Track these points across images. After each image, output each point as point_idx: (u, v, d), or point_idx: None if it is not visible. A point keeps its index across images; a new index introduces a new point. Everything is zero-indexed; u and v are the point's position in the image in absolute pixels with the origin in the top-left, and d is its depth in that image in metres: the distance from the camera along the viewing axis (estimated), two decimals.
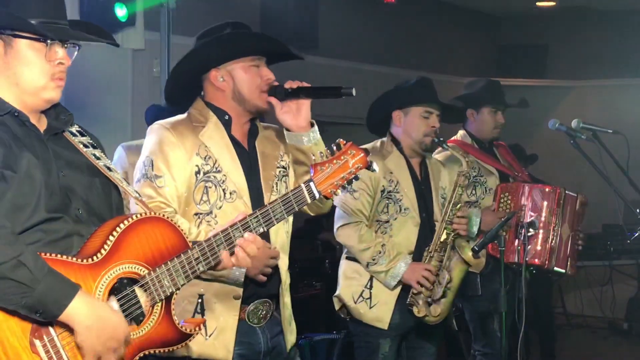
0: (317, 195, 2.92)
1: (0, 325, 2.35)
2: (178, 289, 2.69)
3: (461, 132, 5.57)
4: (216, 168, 3.41)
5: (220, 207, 3.41)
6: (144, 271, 2.60)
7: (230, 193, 3.41)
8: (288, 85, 3.44)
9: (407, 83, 4.84)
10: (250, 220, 2.81)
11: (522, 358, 4.84)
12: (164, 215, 2.75)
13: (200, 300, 3.38)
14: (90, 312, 2.42)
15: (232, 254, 2.80)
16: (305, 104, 3.47)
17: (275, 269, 3.46)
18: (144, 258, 2.62)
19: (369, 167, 3.00)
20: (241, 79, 3.46)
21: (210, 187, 3.28)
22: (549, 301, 8.21)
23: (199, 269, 2.70)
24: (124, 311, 2.54)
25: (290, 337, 3.67)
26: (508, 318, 4.90)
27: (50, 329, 2.41)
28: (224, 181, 3.37)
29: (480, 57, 10.89)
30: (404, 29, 9.79)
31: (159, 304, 2.64)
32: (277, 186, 3.57)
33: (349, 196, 4.51)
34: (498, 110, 5.47)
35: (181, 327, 2.72)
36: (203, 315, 3.37)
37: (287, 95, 3.43)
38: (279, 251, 3.50)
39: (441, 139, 4.70)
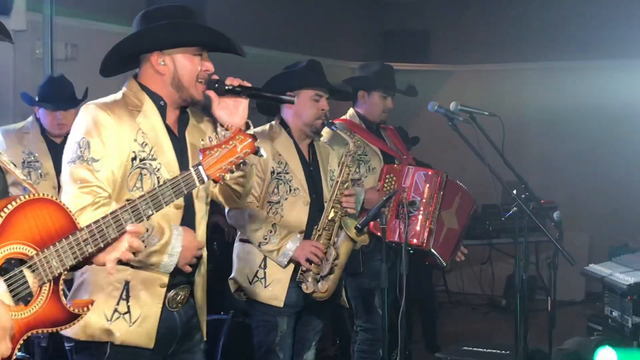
0: (205, 179, 2.92)
1: None
2: (67, 269, 2.65)
3: (350, 112, 5.62)
4: (152, 156, 3.35)
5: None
6: (32, 252, 2.57)
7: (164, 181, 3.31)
8: (229, 81, 3.37)
9: (296, 66, 4.82)
10: (140, 203, 2.79)
11: (403, 333, 4.89)
12: (51, 197, 2.69)
13: (126, 287, 3.34)
14: None
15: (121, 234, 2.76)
16: (243, 103, 3.40)
17: (199, 258, 3.50)
18: (32, 239, 2.59)
19: (256, 152, 3.01)
20: (183, 66, 3.39)
21: (145, 175, 3.22)
22: (430, 279, 8.33)
23: (87, 250, 2.66)
24: (11, 291, 2.50)
25: (203, 319, 3.68)
26: (389, 295, 5.00)
27: None
28: (158, 169, 3.32)
29: (366, 41, 10.98)
30: (290, 12, 9.79)
31: (47, 285, 2.61)
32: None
33: None
34: (388, 96, 5.55)
35: (69, 307, 2.70)
36: (128, 301, 3.33)
37: (227, 92, 3.36)
38: (204, 243, 3.54)
39: (330, 121, 4.73)
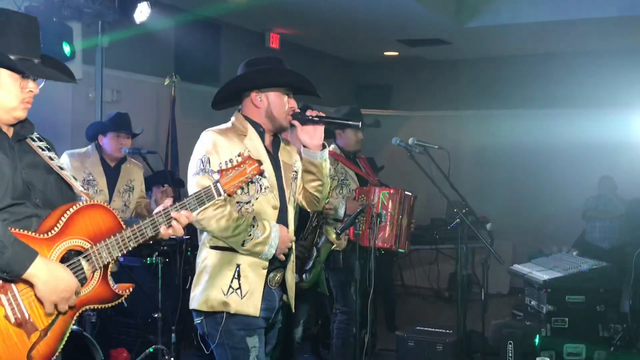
0: (222, 193, 2.90)
1: None
2: (114, 260, 2.67)
3: (332, 146, 5.63)
4: None
5: (257, 199, 3.40)
6: (87, 245, 2.59)
7: (265, 188, 3.40)
8: (309, 113, 3.47)
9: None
10: (171, 209, 2.78)
11: (371, 316, 4.91)
12: (103, 204, 2.72)
13: (238, 269, 3.35)
14: (47, 270, 2.42)
15: (169, 226, 2.76)
16: (319, 129, 3.50)
17: (290, 249, 3.51)
18: (87, 235, 2.61)
19: (261, 173, 3.02)
20: (274, 102, 3.44)
21: (250, 183, 3.14)
22: (390, 275, 8.35)
23: (130, 245, 2.67)
24: None
25: (292, 295, 3.64)
26: (361, 285, 5.02)
27: (13, 285, 2.41)
28: (260, 179, 3.31)
29: (342, 91, 11.05)
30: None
31: (99, 271, 2.63)
32: (292, 185, 3.59)
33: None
34: (358, 131, 5.55)
35: (115, 289, 2.70)
36: (239, 279, 3.36)
37: (308, 121, 3.46)
38: (294, 237, 3.57)
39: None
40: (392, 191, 5.32)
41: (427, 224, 9.51)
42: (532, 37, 9.31)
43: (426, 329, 6.32)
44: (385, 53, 10.81)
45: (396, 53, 10.74)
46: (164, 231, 2.75)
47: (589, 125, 8.98)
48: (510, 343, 5.68)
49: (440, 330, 6.20)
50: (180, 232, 2.81)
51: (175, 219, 2.75)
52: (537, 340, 5.51)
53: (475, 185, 9.52)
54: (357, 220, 4.72)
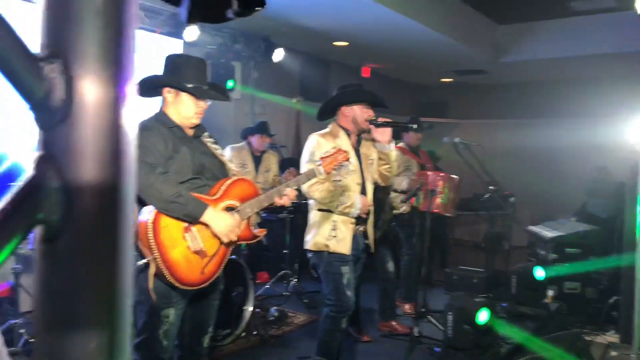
0: (322, 173, 2.90)
1: (170, 223, 2.41)
2: (255, 213, 2.70)
3: (401, 143, 5.58)
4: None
5: (345, 178, 3.36)
6: (237, 204, 2.62)
7: (351, 170, 3.37)
8: (380, 120, 3.40)
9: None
10: (288, 183, 2.78)
11: (427, 260, 4.83)
12: (248, 178, 2.77)
13: (335, 223, 3.35)
14: (215, 216, 2.48)
15: (281, 197, 2.76)
16: (388, 130, 3.42)
17: (368, 212, 3.48)
18: (238, 198, 2.63)
19: (348, 160, 3.00)
20: (358, 113, 3.41)
21: (341, 167, 3.05)
22: (444, 231, 8.13)
23: (262, 205, 2.68)
24: None
25: (372, 240, 3.56)
26: (421, 237, 4.98)
27: (192, 227, 2.48)
28: (347, 164, 3.20)
29: (409, 106, 10.86)
30: (380, 93, 9.81)
31: (245, 220, 2.65)
32: (369, 168, 3.51)
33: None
34: (418, 132, 5.49)
35: (255, 232, 2.74)
36: (335, 230, 3.34)
37: (380, 125, 3.40)
38: (372, 203, 3.49)
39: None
40: (442, 174, 5.23)
41: (470, 197, 9.24)
42: (548, 68, 8.91)
43: (466, 267, 6.23)
44: (441, 80, 10.55)
45: (450, 79, 10.47)
46: (278, 200, 2.76)
47: (586, 131, 8.59)
48: (514, 277, 5.54)
49: (476, 269, 6.10)
50: (287, 202, 2.79)
51: (285, 194, 2.76)
52: (541, 276, 5.31)
53: (506, 171, 9.14)
54: (416, 194, 4.71)
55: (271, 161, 5.73)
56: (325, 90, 8.30)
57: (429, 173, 5.25)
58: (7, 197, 0.43)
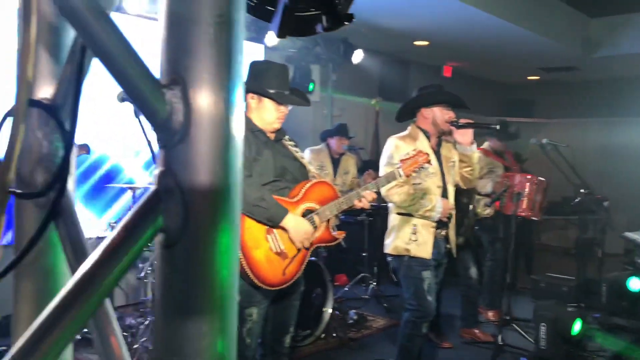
0: (402, 175, 2.90)
1: (253, 224, 2.50)
2: (335, 216, 2.74)
3: (486, 144, 5.42)
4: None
5: (425, 181, 3.33)
6: (317, 206, 2.67)
7: (431, 173, 3.33)
8: (462, 121, 3.33)
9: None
10: (367, 186, 2.81)
11: (512, 266, 4.69)
12: (328, 181, 2.81)
13: (415, 227, 3.32)
14: (294, 221, 2.55)
15: (360, 200, 2.77)
16: (469, 131, 3.35)
17: (449, 216, 3.43)
18: (317, 200, 2.68)
19: (428, 162, 2.98)
20: (438, 115, 3.35)
21: (421, 169, 3.04)
22: (530, 235, 7.87)
23: (342, 207, 2.71)
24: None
25: (453, 246, 3.51)
26: (505, 242, 4.85)
27: (274, 230, 2.56)
28: (427, 167, 3.12)
29: (495, 105, 10.56)
30: (462, 93, 9.66)
31: (324, 223, 2.70)
32: (450, 171, 3.46)
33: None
34: (502, 141, 5.30)
35: (335, 234, 2.78)
36: (416, 234, 3.31)
37: (461, 126, 3.33)
38: (453, 206, 3.45)
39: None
40: (529, 176, 5.07)
41: (559, 200, 8.88)
42: None
43: (555, 275, 5.99)
44: (528, 77, 10.17)
45: (537, 77, 10.07)
46: (357, 203, 2.77)
47: None
48: (604, 286, 5.25)
49: (565, 276, 5.85)
50: (366, 205, 2.80)
51: (363, 196, 2.78)
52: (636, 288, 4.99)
53: (598, 173, 8.70)
54: (501, 197, 4.58)
55: (350, 163, 5.77)
56: (405, 91, 8.24)
57: (516, 175, 5.10)
58: (134, 208, 0.50)
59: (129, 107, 2.78)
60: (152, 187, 0.51)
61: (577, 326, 3.86)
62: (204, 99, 0.50)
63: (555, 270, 6.40)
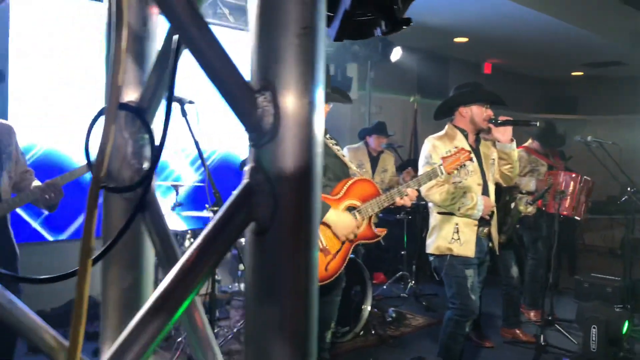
0: (444, 173, 2.91)
1: None
2: (376, 213, 2.81)
3: (529, 141, 5.35)
4: None
5: (466, 179, 3.32)
6: (359, 204, 2.74)
7: (471, 171, 3.32)
8: (500, 119, 3.34)
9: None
10: (408, 183, 2.87)
11: (554, 265, 4.63)
12: (368, 178, 2.90)
13: (457, 226, 3.31)
14: (337, 217, 2.62)
15: (402, 197, 2.83)
16: (509, 129, 3.35)
17: (492, 213, 3.43)
18: (359, 197, 2.75)
19: (470, 160, 3.01)
20: (476, 113, 3.36)
21: (462, 167, 3.07)
22: (573, 235, 7.73)
23: (384, 204, 2.77)
24: None
25: (495, 244, 3.48)
26: (547, 241, 4.80)
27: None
28: (467, 165, 3.16)
29: (538, 102, 10.40)
30: (503, 90, 9.56)
31: (366, 219, 2.77)
32: (490, 168, 3.45)
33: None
34: (545, 147, 5.24)
35: (376, 231, 2.84)
36: (458, 233, 3.29)
37: (500, 124, 3.33)
38: (494, 204, 3.43)
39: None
40: (573, 175, 4.99)
41: (603, 199, 8.69)
42: None
43: (599, 275, 5.87)
44: (572, 73, 9.97)
45: (581, 73, 9.87)
46: (399, 200, 2.82)
47: None
48: None
49: (611, 277, 5.73)
50: (408, 202, 2.82)
51: (405, 193, 2.81)
52: None
53: None
54: (544, 195, 4.54)
55: (388, 161, 5.79)
56: (444, 88, 8.19)
57: (560, 173, 5.03)
58: (229, 199, 0.56)
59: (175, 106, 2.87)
60: (244, 181, 0.57)
61: (624, 328, 3.81)
62: (290, 103, 0.56)
63: (600, 270, 6.27)
